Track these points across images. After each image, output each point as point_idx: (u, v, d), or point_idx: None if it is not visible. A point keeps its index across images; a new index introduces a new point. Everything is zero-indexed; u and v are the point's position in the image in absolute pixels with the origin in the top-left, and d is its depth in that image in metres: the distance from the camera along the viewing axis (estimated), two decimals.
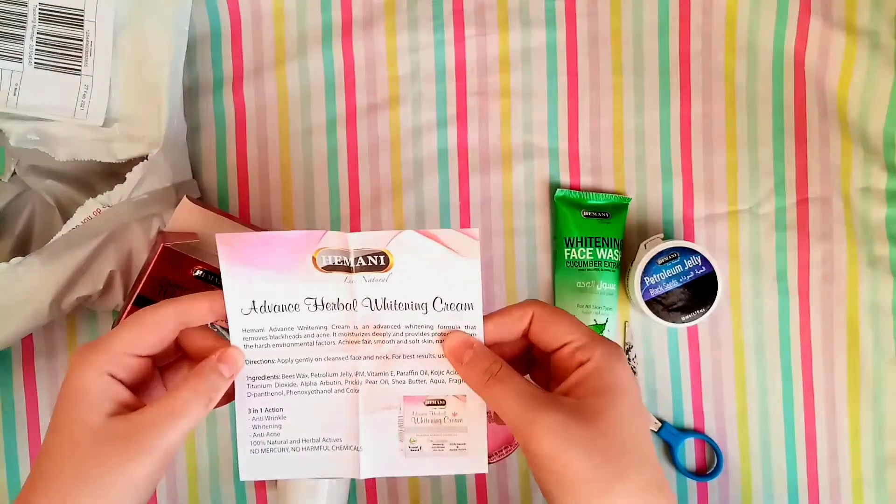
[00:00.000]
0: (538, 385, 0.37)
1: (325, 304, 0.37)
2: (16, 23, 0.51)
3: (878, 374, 0.58)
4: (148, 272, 0.48)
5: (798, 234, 0.58)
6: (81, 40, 0.51)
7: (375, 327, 0.38)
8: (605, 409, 0.34)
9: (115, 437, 0.33)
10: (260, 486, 0.58)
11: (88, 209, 0.51)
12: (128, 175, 0.51)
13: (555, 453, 0.33)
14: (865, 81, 0.57)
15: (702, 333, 0.58)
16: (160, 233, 0.52)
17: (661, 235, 0.57)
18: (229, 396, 0.37)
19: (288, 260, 0.37)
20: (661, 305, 0.54)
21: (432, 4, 0.58)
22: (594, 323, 0.57)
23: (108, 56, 0.51)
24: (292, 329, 0.37)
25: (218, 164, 0.59)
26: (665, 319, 0.54)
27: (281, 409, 0.38)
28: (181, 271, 0.48)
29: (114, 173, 0.53)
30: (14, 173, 0.56)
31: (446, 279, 0.37)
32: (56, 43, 0.51)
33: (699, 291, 0.54)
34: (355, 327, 0.38)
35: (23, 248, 0.56)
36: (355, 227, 0.59)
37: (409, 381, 0.38)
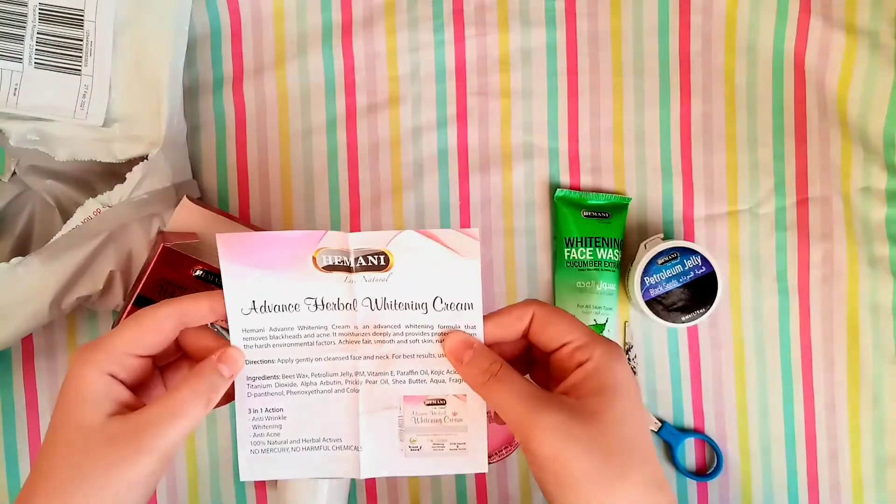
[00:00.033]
0: (538, 385, 0.37)
1: (325, 303, 0.37)
2: (16, 23, 0.51)
3: (878, 374, 0.58)
4: (148, 272, 0.48)
5: (798, 234, 0.58)
6: (81, 40, 0.51)
7: (375, 327, 0.38)
8: (605, 409, 0.34)
9: (115, 437, 0.33)
10: (260, 486, 0.58)
11: (88, 209, 0.51)
12: (128, 175, 0.51)
13: (555, 453, 0.33)
14: (865, 81, 0.57)
15: (702, 333, 0.58)
16: (160, 233, 0.52)
17: (661, 235, 0.57)
18: (229, 396, 0.37)
19: (288, 260, 0.37)
20: (661, 305, 0.54)
21: (432, 4, 0.58)
22: (594, 323, 0.57)
23: (108, 56, 0.51)
24: (292, 329, 0.37)
25: (218, 164, 0.59)
26: (665, 319, 0.54)
27: (281, 409, 0.38)
28: (181, 271, 0.48)
29: (114, 173, 0.53)
30: (14, 173, 0.56)
31: (446, 279, 0.37)
32: (56, 43, 0.51)
33: (699, 291, 0.54)
34: (355, 327, 0.38)
35: (23, 248, 0.56)
36: (355, 228, 0.59)
37: (410, 381, 0.38)
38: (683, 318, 0.54)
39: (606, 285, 0.57)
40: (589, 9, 0.58)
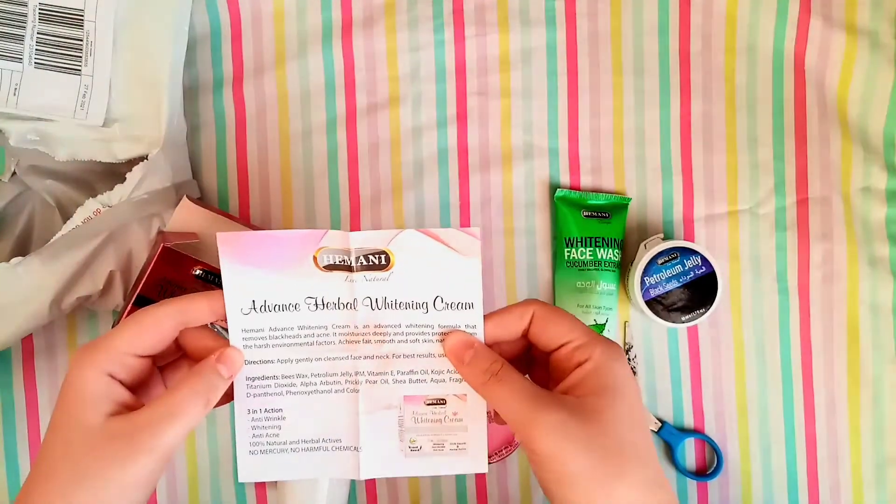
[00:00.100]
0: (538, 385, 0.37)
1: (325, 303, 0.37)
2: (16, 23, 0.51)
3: (878, 374, 0.58)
4: (148, 272, 0.48)
5: (798, 234, 0.58)
6: (81, 40, 0.51)
7: (376, 327, 0.37)
8: (604, 408, 0.34)
9: (114, 437, 0.33)
10: (260, 486, 0.58)
11: (88, 209, 0.51)
12: (128, 175, 0.51)
13: (555, 452, 0.33)
14: (865, 81, 0.57)
15: (702, 333, 0.58)
16: (160, 233, 0.52)
17: (661, 235, 0.57)
18: (229, 396, 0.37)
19: (289, 259, 0.37)
20: (661, 305, 0.54)
21: (432, 4, 0.58)
22: (594, 323, 0.57)
23: (108, 56, 0.51)
24: (292, 329, 0.37)
25: (218, 164, 0.59)
26: (665, 319, 0.54)
27: (280, 410, 0.38)
28: (181, 271, 0.48)
29: (114, 173, 0.53)
30: (14, 173, 0.56)
31: (447, 278, 0.37)
32: (56, 43, 0.51)
33: (699, 291, 0.54)
34: (356, 327, 0.37)
35: (23, 248, 0.56)
36: (355, 227, 0.59)
37: (410, 381, 0.38)
38: (683, 318, 0.54)
39: (606, 285, 0.57)
40: (589, 9, 0.58)
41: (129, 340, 0.35)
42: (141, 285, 0.48)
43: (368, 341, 0.38)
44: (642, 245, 0.56)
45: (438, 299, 0.37)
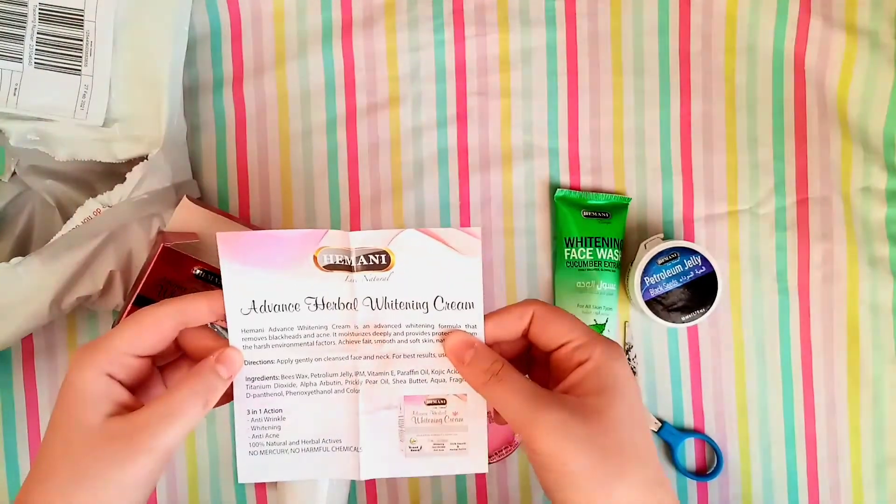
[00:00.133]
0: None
1: (325, 303, 0.37)
2: (16, 23, 0.51)
3: (878, 374, 0.58)
4: (148, 272, 0.48)
5: (798, 234, 0.58)
6: (81, 40, 0.51)
7: (376, 327, 0.37)
8: (605, 408, 0.34)
9: (113, 438, 0.33)
10: (260, 486, 0.58)
11: (88, 209, 0.51)
12: (128, 175, 0.51)
13: (556, 451, 0.33)
14: (865, 81, 0.57)
15: (702, 333, 0.58)
16: (160, 233, 0.52)
17: (661, 235, 0.57)
18: (229, 396, 0.37)
19: (289, 259, 0.37)
20: (661, 305, 0.54)
21: (432, 4, 0.58)
22: (594, 323, 0.57)
23: (108, 56, 0.51)
24: (292, 329, 0.37)
25: (218, 164, 0.59)
26: (665, 319, 0.54)
27: (280, 410, 0.38)
28: (181, 271, 0.48)
29: (114, 173, 0.53)
30: (14, 173, 0.56)
31: (447, 278, 0.37)
32: (56, 43, 0.51)
33: (699, 291, 0.54)
34: (356, 327, 0.37)
35: (23, 248, 0.56)
36: (355, 227, 0.59)
37: (410, 381, 0.38)
38: (683, 318, 0.54)
39: (606, 285, 0.57)
40: (589, 9, 0.58)
41: (128, 340, 0.35)
42: (141, 285, 0.48)
43: (368, 341, 0.38)
44: (642, 245, 0.56)
45: (439, 299, 0.37)
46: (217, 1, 0.58)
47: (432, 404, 0.38)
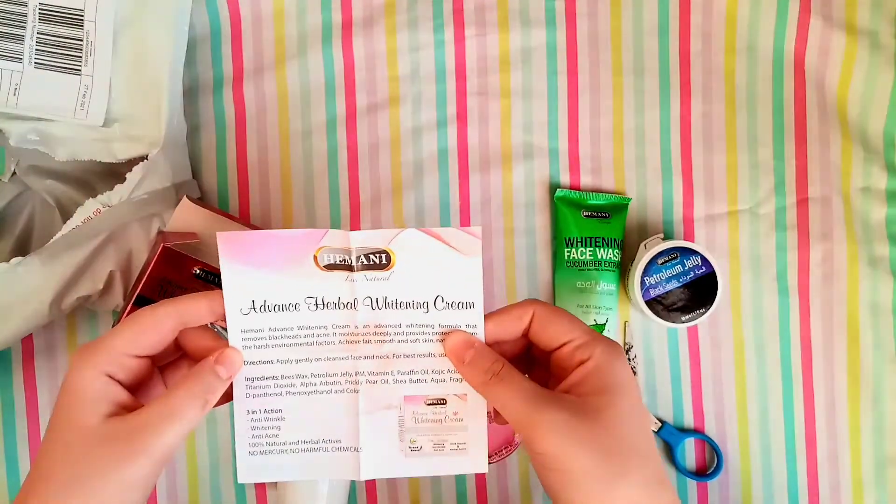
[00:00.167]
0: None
1: (325, 303, 0.37)
2: (16, 23, 0.51)
3: (878, 374, 0.58)
4: (148, 272, 0.48)
5: (798, 234, 0.58)
6: (81, 40, 0.51)
7: (376, 327, 0.37)
8: (606, 407, 0.34)
9: (111, 439, 0.33)
10: (260, 486, 0.58)
11: (88, 209, 0.51)
12: (128, 175, 0.51)
13: (558, 451, 0.34)
14: (865, 81, 0.57)
15: (702, 333, 0.58)
16: (160, 233, 0.52)
17: (661, 235, 0.57)
18: (229, 395, 0.37)
19: (289, 259, 0.37)
20: (661, 305, 0.54)
21: (432, 4, 0.58)
22: (594, 323, 0.57)
23: (108, 56, 0.51)
24: (292, 329, 0.37)
25: (218, 164, 0.59)
26: (665, 319, 0.54)
27: (280, 410, 0.38)
28: (181, 271, 0.48)
29: (114, 173, 0.53)
30: (14, 173, 0.56)
31: (448, 278, 0.37)
32: (56, 43, 0.51)
33: (699, 291, 0.54)
34: (356, 327, 0.37)
35: (23, 248, 0.56)
36: (355, 227, 0.59)
37: (410, 381, 0.38)
38: (683, 318, 0.54)
39: (606, 285, 0.57)
40: (589, 9, 0.58)
41: (127, 341, 0.35)
42: (141, 285, 0.48)
43: (368, 341, 0.38)
44: (642, 245, 0.56)
45: (439, 299, 0.37)
46: (217, 1, 0.58)
47: (432, 404, 0.38)
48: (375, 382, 0.38)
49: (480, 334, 0.37)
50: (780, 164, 0.59)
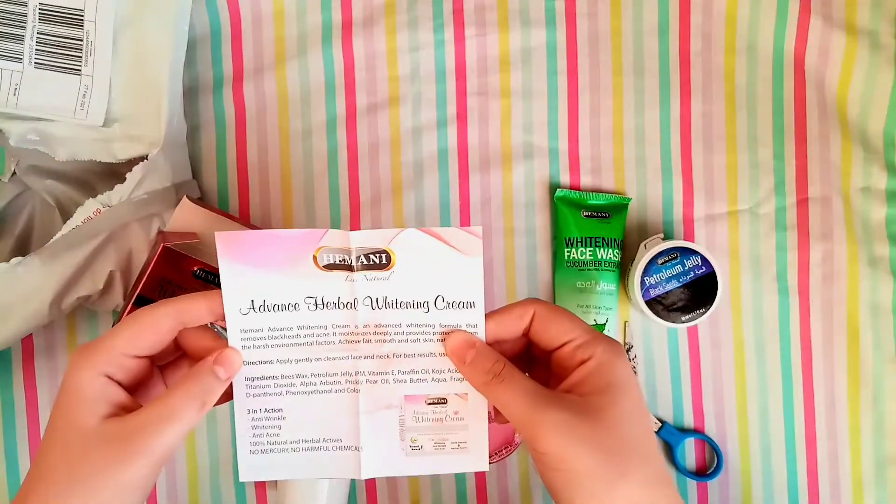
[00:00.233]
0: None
1: (325, 303, 0.37)
2: (16, 23, 0.51)
3: (878, 374, 0.58)
4: (148, 272, 0.48)
5: (798, 234, 0.58)
6: (81, 40, 0.51)
7: (376, 326, 0.37)
8: (608, 407, 0.34)
9: (110, 440, 0.33)
10: (260, 486, 0.58)
11: (88, 209, 0.51)
12: (128, 175, 0.51)
13: (560, 451, 0.34)
14: (865, 81, 0.57)
15: (702, 333, 0.58)
16: (160, 233, 0.52)
17: (661, 235, 0.57)
18: (228, 394, 0.37)
19: (288, 258, 0.37)
20: (661, 305, 0.54)
21: (432, 4, 0.58)
22: (594, 323, 0.57)
23: (108, 56, 0.51)
24: (292, 329, 0.37)
25: (218, 164, 0.59)
26: (665, 319, 0.54)
27: (280, 410, 0.38)
28: (181, 271, 0.48)
29: (114, 173, 0.53)
30: (14, 173, 0.56)
31: (448, 277, 0.37)
32: (56, 43, 0.51)
33: (699, 291, 0.54)
34: (356, 327, 0.37)
35: (23, 248, 0.56)
36: (355, 227, 0.59)
37: (411, 381, 0.38)
38: (683, 318, 0.54)
39: (606, 285, 0.57)
40: (589, 9, 0.59)
41: (126, 341, 0.35)
42: (141, 285, 0.48)
43: (369, 341, 0.38)
44: (642, 245, 0.56)
45: (439, 298, 0.37)
46: (217, 1, 0.58)
47: (433, 403, 0.38)
48: (376, 382, 0.38)
49: (481, 334, 0.37)
50: (780, 164, 0.59)
